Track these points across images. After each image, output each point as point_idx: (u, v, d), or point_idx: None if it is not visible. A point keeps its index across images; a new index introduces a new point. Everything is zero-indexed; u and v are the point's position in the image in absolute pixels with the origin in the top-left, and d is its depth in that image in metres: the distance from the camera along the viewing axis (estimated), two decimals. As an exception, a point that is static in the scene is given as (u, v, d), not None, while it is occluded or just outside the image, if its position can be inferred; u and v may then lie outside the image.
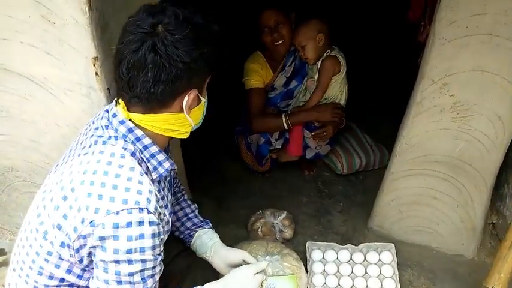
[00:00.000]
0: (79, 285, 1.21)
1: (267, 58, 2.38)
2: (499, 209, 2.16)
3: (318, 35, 2.20)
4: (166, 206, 1.28)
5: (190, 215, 1.63)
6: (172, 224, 1.60)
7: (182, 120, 1.18)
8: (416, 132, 1.86)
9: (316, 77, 2.31)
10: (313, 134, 2.37)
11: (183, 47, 1.05)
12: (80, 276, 1.19)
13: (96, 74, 1.39)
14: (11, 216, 2.06)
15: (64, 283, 1.19)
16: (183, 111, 1.15)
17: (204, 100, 1.21)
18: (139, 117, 1.15)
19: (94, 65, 1.37)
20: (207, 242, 1.57)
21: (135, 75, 1.06)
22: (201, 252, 1.58)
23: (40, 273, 1.17)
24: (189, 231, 1.61)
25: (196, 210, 1.66)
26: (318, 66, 2.28)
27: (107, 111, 1.21)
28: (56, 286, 1.19)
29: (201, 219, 1.65)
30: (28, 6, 1.30)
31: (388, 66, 3.27)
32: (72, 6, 1.26)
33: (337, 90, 2.34)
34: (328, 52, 2.27)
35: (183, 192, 1.68)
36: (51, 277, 1.17)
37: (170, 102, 1.13)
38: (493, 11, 1.50)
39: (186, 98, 1.13)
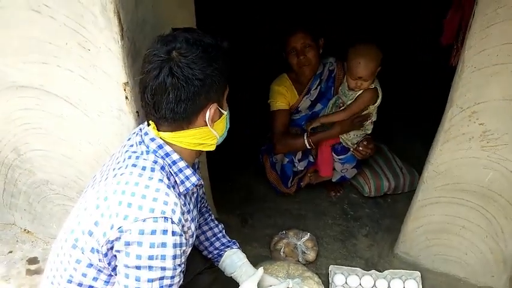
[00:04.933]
0: None
1: (292, 80, 2.38)
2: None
3: (378, 68, 2.15)
4: (193, 220, 1.33)
5: (218, 235, 1.68)
6: (201, 243, 1.66)
7: (207, 133, 1.26)
8: (444, 159, 1.82)
9: (349, 103, 2.26)
10: (360, 149, 2.33)
11: (197, 66, 1.14)
12: (106, 282, 1.25)
13: (126, 98, 1.45)
14: (45, 227, 2.16)
15: None
16: (207, 125, 1.23)
17: (225, 113, 1.29)
18: (168, 136, 1.23)
19: (125, 90, 1.43)
20: (236, 262, 1.62)
21: (158, 99, 1.16)
22: (230, 272, 1.62)
23: (70, 281, 1.24)
24: (217, 251, 1.65)
25: (224, 230, 1.71)
26: (357, 94, 2.22)
27: (141, 129, 1.31)
28: None
29: (229, 239, 1.69)
30: (66, 34, 1.38)
31: (423, 89, 3.22)
32: (105, 35, 1.33)
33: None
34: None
35: (210, 212, 1.73)
36: (80, 284, 1.24)
37: (194, 119, 1.21)
38: (526, 40, 1.47)
39: (207, 113, 1.21)
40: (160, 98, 1.15)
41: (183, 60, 1.13)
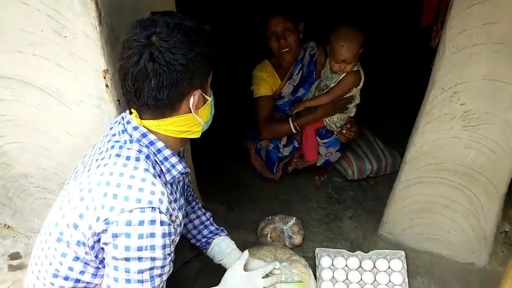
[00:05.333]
0: (95, 284, 1.25)
1: (274, 66, 2.36)
2: (511, 217, 2.13)
3: (360, 50, 2.15)
4: (180, 209, 1.32)
5: (206, 223, 1.67)
6: (188, 231, 1.65)
7: (192, 120, 1.23)
8: (426, 140, 1.85)
9: (332, 86, 2.27)
10: (344, 131, 2.35)
11: (178, 51, 1.11)
12: (94, 275, 1.23)
13: (107, 86, 1.41)
14: (26, 221, 2.11)
15: (79, 284, 1.23)
16: (191, 112, 1.20)
17: (209, 99, 1.27)
18: (151, 124, 1.20)
19: (104, 78, 1.39)
20: (225, 249, 1.62)
21: (140, 86, 1.13)
22: (219, 259, 1.63)
23: (55, 276, 1.22)
24: (206, 238, 1.65)
25: (211, 218, 1.70)
26: (340, 77, 2.23)
27: (123, 118, 1.27)
28: (72, 287, 1.23)
29: (217, 226, 1.69)
30: (41, 20, 1.33)
31: (402, 71, 3.24)
32: (83, 21, 1.28)
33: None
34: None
35: (197, 200, 1.72)
36: (66, 278, 1.22)
37: (177, 105, 1.18)
38: (506, 20, 1.49)
39: (191, 99, 1.18)
40: (142, 85, 1.12)
41: (164, 45, 1.10)
